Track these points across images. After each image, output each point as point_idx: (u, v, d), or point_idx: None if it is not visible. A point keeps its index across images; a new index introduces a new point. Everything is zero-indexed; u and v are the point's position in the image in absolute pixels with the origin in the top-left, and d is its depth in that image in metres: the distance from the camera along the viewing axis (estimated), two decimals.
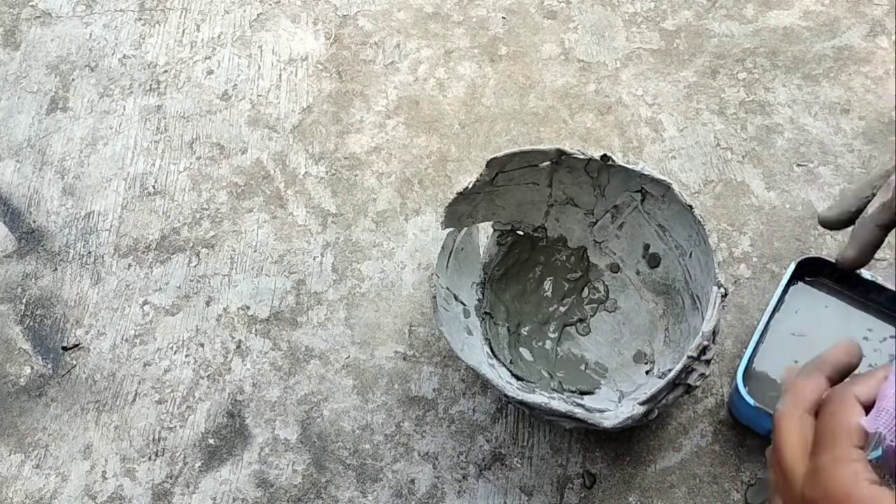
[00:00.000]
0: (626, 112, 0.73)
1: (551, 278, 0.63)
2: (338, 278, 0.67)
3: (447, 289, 0.57)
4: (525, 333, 0.62)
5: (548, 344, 0.61)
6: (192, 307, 0.66)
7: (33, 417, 0.63)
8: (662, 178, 0.54)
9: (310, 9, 0.83)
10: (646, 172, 0.55)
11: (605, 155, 0.56)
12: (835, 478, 0.31)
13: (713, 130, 0.71)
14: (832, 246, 0.64)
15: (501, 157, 0.56)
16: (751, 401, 0.52)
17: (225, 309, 0.66)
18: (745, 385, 0.53)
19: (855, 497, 0.30)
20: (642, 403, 0.48)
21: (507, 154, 0.56)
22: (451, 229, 0.58)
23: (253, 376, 0.63)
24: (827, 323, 0.58)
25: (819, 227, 0.65)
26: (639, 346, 0.60)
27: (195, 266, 0.68)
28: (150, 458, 0.60)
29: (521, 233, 0.63)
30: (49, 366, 0.65)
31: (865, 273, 0.56)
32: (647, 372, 0.58)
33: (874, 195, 0.45)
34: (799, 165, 0.69)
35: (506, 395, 0.49)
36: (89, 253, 0.70)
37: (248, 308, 0.66)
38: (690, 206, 0.52)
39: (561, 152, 0.57)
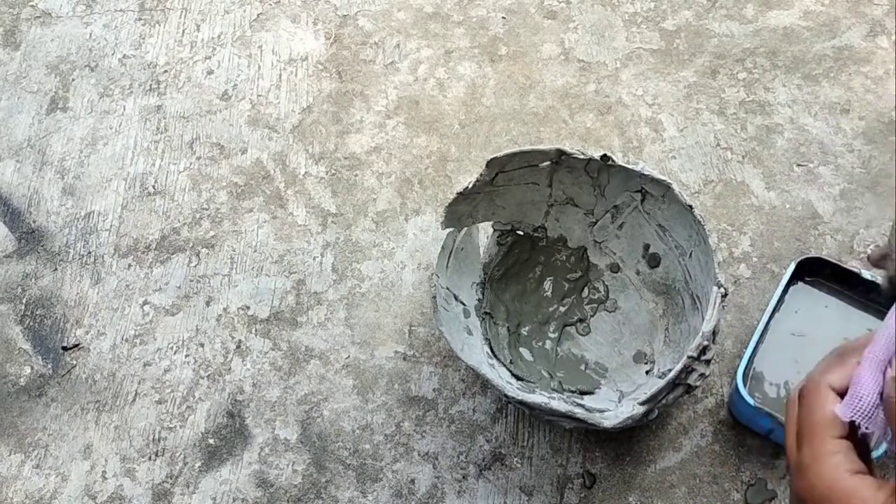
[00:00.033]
0: (626, 112, 0.73)
1: (551, 278, 0.63)
2: (338, 278, 0.67)
3: (447, 289, 0.57)
4: (525, 333, 0.61)
5: (548, 344, 0.61)
6: (192, 307, 0.66)
7: (33, 417, 0.63)
8: (662, 178, 0.54)
9: (310, 9, 0.83)
10: (646, 172, 0.55)
11: (605, 155, 0.56)
12: (817, 475, 0.31)
13: (713, 130, 0.71)
14: (832, 246, 0.64)
15: (501, 157, 0.56)
16: (751, 401, 0.52)
17: (225, 309, 0.66)
18: (745, 385, 0.53)
19: (837, 490, 0.30)
20: (642, 403, 0.48)
21: (507, 154, 0.56)
22: (451, 229, 0.58)
23: (253, 376, 0.63)
24: (827, 323, 0.58)
25: (819, 227, 0.65)
26: (639, 346, 0.60)
27: (195, 266, 0.68)
28: (150, 458, 0.60)
29: (521, 233, 0.63)
30: (49, 366, 0.65)
31: (865, 273, 0.56)
32: (647, 372, 0.58)
33: None
34: (799, 165, 0.69)
35: (506, 395, 0.49)
36: (89, 253, 0.70)
37: (248, 308, 0.66)
38: (690, 206, 0.52)
39: (561, 152, 0.57)
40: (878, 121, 0.70)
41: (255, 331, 0.65)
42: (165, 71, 0.79)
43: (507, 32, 0.79)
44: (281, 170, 0.73)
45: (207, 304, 0.66)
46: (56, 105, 0.78)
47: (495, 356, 0.58)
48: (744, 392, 0.53)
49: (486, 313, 0.61)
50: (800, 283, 0.59)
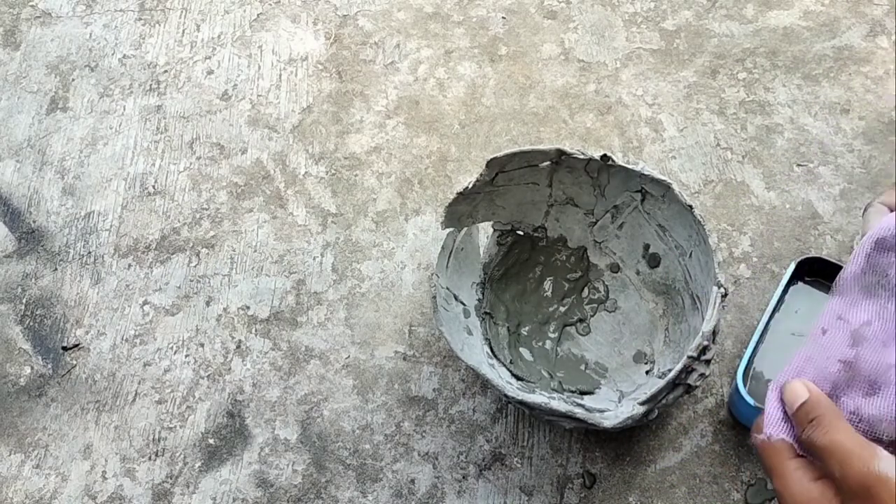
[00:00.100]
0: (626, 112, 0.73)
1: (551, 278, 0.63)
2: (338, 278, 0.67)
3: (447, 289, 0.57)
4: (525, 333, 0.62)
5: (548, 344, 0.61)
6: (192, 307, 0.66)
7: (33, 417, 0.63)
8: (662, 178, 0.54)
9: (310, 9, 0.83)
10: (646, 172, 0.55)
11: (605, 155, 0.56)
12: (790, 493, 0.35)
13: (713, 130, 0.71)
14: (832, 246, 0.64)
15: (501, 157, 0.56)
16: (751, 401, 0.52)
17: (225, 309, 0.66)
18: (745, 385, 0.53)
19: (805, 495, 0.34)
20: (642, 403, 0.48)
21: (507, 154, 0.56)
22: (451, 229, 0.58)
23: (253, 376, 0.63)
24: None
25: (819, 227, 0.65)
26: (639, 346, 0.60)
27: (195, 266, 0.68)
28: (150, 458, 0.60)
29: (521, 233, 0.63)
30: (49, 366, 0.65)
31: None
32: (647, 372, 0.58)
33: None
34: (799, 165, 0.69)
35: (506, 395, 0.49)
36: (89, 253, 0.70)
37: (248, 308, 0.66)
38: (690, 206, 0.52)
39: (561, 152, 0.57)
40: (878, 121, 0.70)
41: (255, 331, 0.65)
42: (165, 71, 0.79)
43: (507, 32, 0.79)
44: (281, 170, 0.73)
45: (207, 304, 0.66)
46: (56, 105, 0.78)
47: (495, 356, 0.58)
48: (744, 392, 0.53)
49: (486, 313, 0.61)
50: (800, 283, 0.59)
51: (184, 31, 0.82)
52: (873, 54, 0.74)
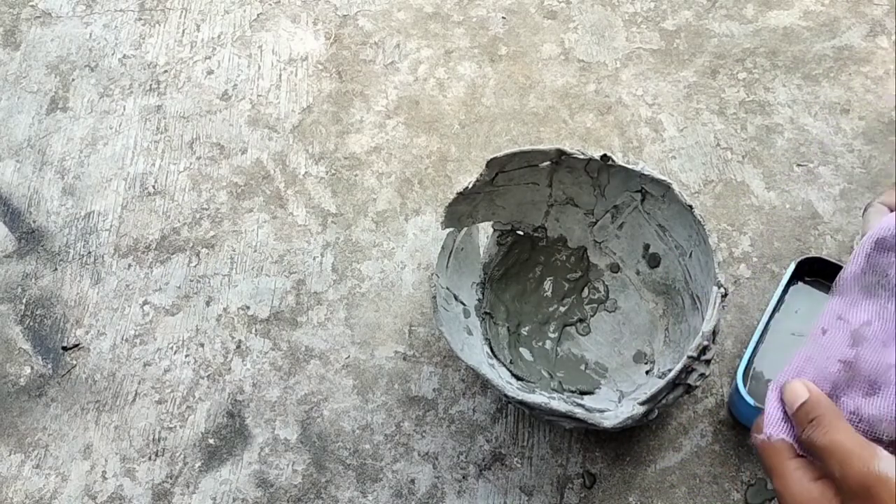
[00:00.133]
0: (626, 112, 0.73)
1: (551, 278, 0.63)
2: (338, 278, 0.67)
3: (447, 289, 0.57)
4: (525, 333, 0.62)
5: (548, 344, 0.61)
6: (192, 307, 0.66)
7: (33, 417, 0.63)
8: (662, 178, 0.54)
9: (310, 9, 0.83)
10: (646, 172, 0.55)
11: (605, 155, 0.56)
12: (790, 493, 0.35)
13: (713, 130, 0.71)
14: (832, 246, 0.64)
15: (501, 157, 0.56)
16: (751, 401, 0.52)
17: (225, 309, 0.66)
18: (745, 385, 0.53)
19: (805, 495, 0.34)
20: (642, 403, 0.48)
21: (507, 154, 0.56)
22: (451, 229, 0.58)
23: (253, 376, 0.63)
24: None
25: (819, 227, 0.65)
26: (639, 346, 0.60)
27: (195, 266, 0.68)
28: (150, 458, 0.60)
29: (521, 233, 0.63)
30: (49, 366, 0.65)
31: None
32: (647, 372, 0.58)
33: None
34: (799, 165, 0.69)
35: (506, 395, 0.49)
36: (89, 253, 0.70)
37: (248, 308, 0.66)
38: (690, 206, 0.52)
39: (561, 152, 0.57)
40: (878, 121, 0.70)
41: (255, 331, 0.65)
42: (165, 71, 0.79)
43: (507, 32, 0.79)
44: (281, 170, 0.73)
45: (207, 304, 0.66)
46: (56, 105, 0.78)
47: (495, 356, 0.58)
48: (744, 392, 0.53)
49: (486, 313, 0.61)
50: (800, 283, 0.59)
51: (184, 31, 0.82)
52: (873, 54, 0.74)
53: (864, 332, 0.38)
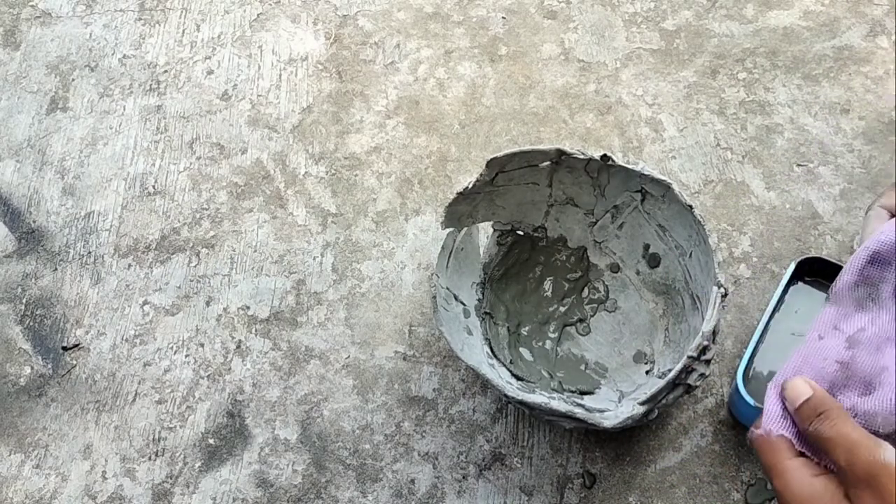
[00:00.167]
0: (626, 112, 0.73)
1: (551, 278, 0.63)
2: (338, 278, 0.67)
3: (447, 289, 0.57)
4: (525, 333, 0.62)
5: (548, 344, 0.61)
6: (192, 307, 0.66)
7: (33, 417, 0.63)
8: (662, 178, 0.54)
9: (310, 9, 0.83)
10: (646, 172, 0.55)
11: (605, 155, 0.56)
12: (791, 491, 0.36)
13: (713, 130, 0.71)
14: (832, 246, 0.64)
15: (501, 157, 0.56)
16: (751, 401, 0.52)
17: (225, 309, 0.66)
18: (745, 385, 0.53)
19: (807, 492, 0.35)
20: (642, 403, 0.48)
21: (507, 154, 0.56)
22: (451, 229, 0.58)
23: (253, 376, 0.63)
24: None
25: (819, 227, 0.65)
26: (639, 346, 0.60)
27: (195, 266, 0.68)
28: (150, 458, 0.60)
29: (521, 233, 0.63)
30: (49, 366, 0.65)
31: None
32: (647, 372, 0.58)
33: None
34: (799, 165, 0.69)
35: (506, 395, 0.49)
36: (89, 253, 0.70)
37: (248, 308, 0.66)
38: (690, 206, 0.52)
39: (561, 152, 0.57)
40: (878, 121, 0.70)
41: (255, 331, 0.65)
42: (165, 71, 0.79)
43: (507, 32, 0.79)
44: (281, 170, 0.73)
45: (207, 304, 0.66)
46: (56, 105, 0.78)
47: (495, 356, 0.58)
48: (744, 392, 0.53)
49: (486, 313, 0.61)
50: (800, 283, 0.59)
51: (184, 31, 0.82)
52: (873, 54, 0.74)
53: (859, 337, 0.40)
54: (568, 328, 0.62)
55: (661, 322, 0.60)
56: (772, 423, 0.38)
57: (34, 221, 0.72)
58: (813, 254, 0.59)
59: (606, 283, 0.63)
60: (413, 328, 0.64)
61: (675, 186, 0.53)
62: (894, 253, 0.41)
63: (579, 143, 0.72)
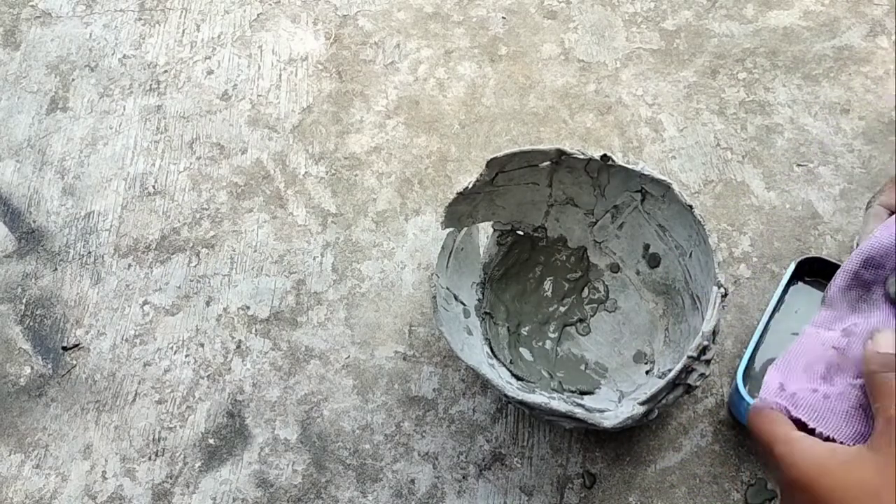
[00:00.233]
0: (626, 112, 0.73)
1: (551, 278, 0.63)
2: (338, 278, 0.67)
3: (447, 289, 0.57)
4: (525, 333, 0.62)
5: (548, 344, 0.61)
6: (192, 307, 0.66)
7: (33, 417, 0.63)
8: (662, 178, 0.54)
9: (310, 9, 0.83)
10: (646, 172, 0.55)
11: (605, 155, 0.56)
12: (801, 456, 0.35)
13: (713, 130, 0.71)
14: (832, 246, 0.64)
15: (501, 157, 0.56)
16: (751, 401, 0.52)
17: (225, 309, 0.66)
18: (745, 385, 0.53)
19: (826, 456, 0.35)
20: (642, 403, 0.48)
21: (507, 154, 0.56)
22: (451, 229, 0.58)
23: (253, 376, 0.63)
24: None
25: (819, 227, 0.65)
26: (639, 346, 0.60)
27: (195, 266, 0.68)
28: (150, 458, 0.60)
29: (521, 233, 0.63)
30: (49, 366, 0.65)
31: None
32: (647, 372, 0.58)
33: None
34: (799, 165, 0.69)
35: (506, 395, 0.49)
36: (89, 253, 0.70)
37: (248, 308, 0.66)
38: (690, 206, 0.52)
39: (561, 152, 0.57)
40: (878, 121, 0.70)
41: (255, 331, 0.65)
42: (165, 71, 0.79)
43: (507, 32, 0.79)
44: (281, 170, 0.73)
45: (207, 304, 0.66)
46: (56, 105, 0.78)
47: (495, 356, 0.58)
48: (744, 392, 0.53)
49: (486, 313, 0.61)
50: (800, 283, 0.59)
51: (184, 31, 0.82)
52: (873, 54, 0.74)
53: (853, 329, 0.42)
54: (568, 328, 0.62)
55: (661, 322, 0.60)
56: (769, 395, 0.39)
57: (34, 221, 0.72)
58: (813, 254, 0.59)
59: (606, 283, 0.63)
60: (413, 328, 0.64)
61: (675, 186, 0.53)
62: (887, 256, 0.42)
63: (579, 143, 0.72)
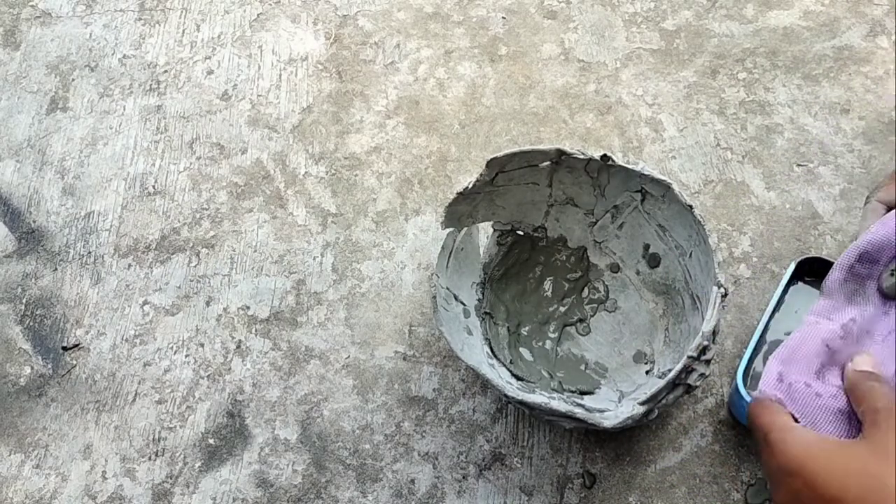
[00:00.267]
0: (626, 112, 0.73)
1: (551, 278, 0.63)
2: (338, 278, 0.67)
3: (447, 289, 0.57)
4: (525, 333, 0.62)
5: (548, 344, 0.61)
6: (192, 307, 0.66)
7: (33, 417, 0.63)
8: (662, 178, 0.54)
9: (310, 9, 0.83)
10: (646, 172, 0.55)
11: (605, 155, 0.56)
12: (792, 442, 0.38)
13: (713, 130, 0.71)
14: (832, 246, 0.64)
15: (501, 157, 0.56)
16: (751, 400, 0.52)
17: (225, 309, 0.66)
18: (745, 385, 0.53)
19: (817, 443, 0.37)
20: (642, 403, 0.48)
21: (507, 154, 0.56)
22: (451, 229, 0.58)
23: (253, 376, 0.63)
24: None
25: (819, 227, 0.65)
26: (639, 346, 0.60)
27: (195, 266, 0.68)
28: (150, 458, 0.60)
29: (521, 233, 0.63)
30: (49, 366, 0.65)
31: None
32: (647, 372, 0.58)
33: None
34: (799, 165, 0.69)
35: (506, 395, 0.49)
36: (89, 253, 0.70)
37: (248, 308, 0.66)
38: (690, 206, 0.52)
39: (561, 152, 0.57)
40: (878, 121, 0.70)
41: (255, 331, 0.65)
42: (165, 71, 0.79)
43: (507, 32, 0.79)
44: (281, 170, 0.73)
45: (207, 304, 0.66)
46: (56, 105, 0.78)
47: (495, 356, 0.58)
48: (744, 392, 0.53)
49: (486, 313, 0.61)
50: (800, 283, 0.59)
51: (184, 31, 0.82)
52: (873, 54, 0.74)
53: (850, 327, 0.44)
54: (568, 328, 0.62)
55: (661, 322, 0.60)
56: (768, 386, 0.42)
57: (34, 221, 0.72)
58: (813, 254, 0.59)
59: (606, 283, 0.63)
60: (413, 328, 0.64)
61: (675, 186, 0.53)
62: (881, 251, 0.44)
63: (579, 143, 0.72)
